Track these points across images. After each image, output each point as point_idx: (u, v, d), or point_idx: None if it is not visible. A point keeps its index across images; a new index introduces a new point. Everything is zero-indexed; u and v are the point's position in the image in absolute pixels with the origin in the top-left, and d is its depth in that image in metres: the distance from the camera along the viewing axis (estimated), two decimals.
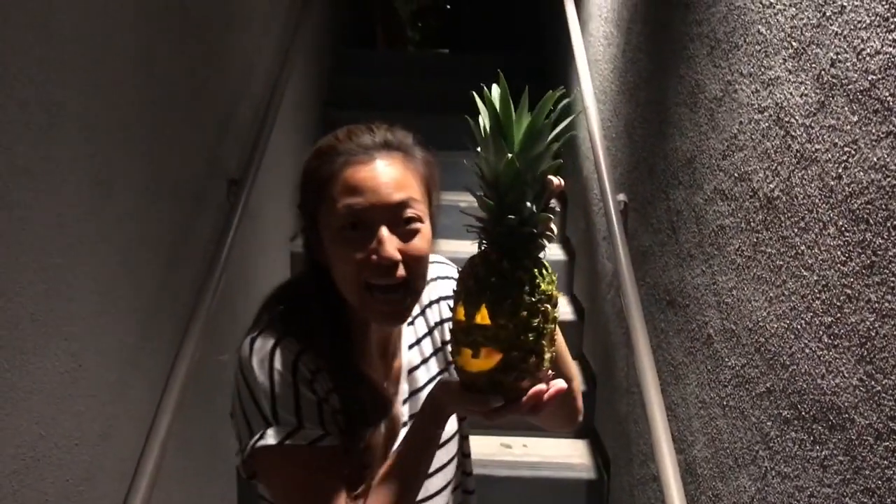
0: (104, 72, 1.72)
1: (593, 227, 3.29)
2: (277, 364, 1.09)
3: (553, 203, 1.00)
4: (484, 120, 0.97)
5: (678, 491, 1.86)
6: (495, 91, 0.98)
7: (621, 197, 2.73)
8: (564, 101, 0.98)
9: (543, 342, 0.98)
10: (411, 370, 1.23)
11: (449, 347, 1.07)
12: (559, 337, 1.13)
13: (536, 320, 0.96)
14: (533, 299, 0.96)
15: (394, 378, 1.22)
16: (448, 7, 10.94)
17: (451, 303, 1.02)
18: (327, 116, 4.70)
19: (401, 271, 1.07)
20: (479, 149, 0.98)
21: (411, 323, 1.26)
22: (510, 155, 0.94)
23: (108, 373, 1.76)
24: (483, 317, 0.95)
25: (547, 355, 1.00)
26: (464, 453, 1.34)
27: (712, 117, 1.85)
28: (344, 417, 1.12)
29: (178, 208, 2.21)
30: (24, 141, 1.40)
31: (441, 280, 1.29)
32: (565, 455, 2.99)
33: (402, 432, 1.19)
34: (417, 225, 1.09)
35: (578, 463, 2.97)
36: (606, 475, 2.89)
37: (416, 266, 1.09)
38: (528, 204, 0.96)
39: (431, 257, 1.17)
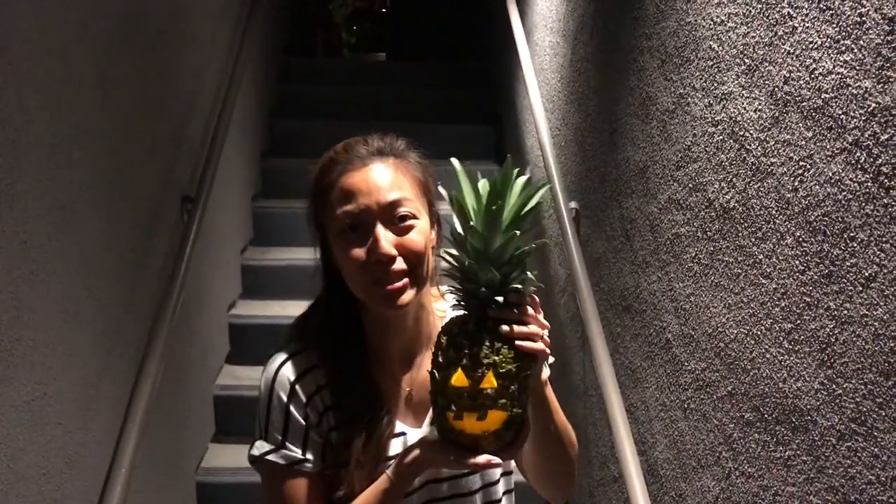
0: (63, 93, 1.70)
1: (545, 232, 3.34)
2: (276, 384, 1.19)
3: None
4: (463, 200, 1.03)
5: (642, 491, 1.92)
6: (469, 185, 1.04)
7: (573, 204, 2.78)
8: (525, 182, 1.05)
9: (528, 396, 1.07)
10: None
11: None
12: (560, 411, 1.22)
13: (527, 380, 1.04)
14: (526, 362, 1.04)
15: (418, 383, 1.25)
16: (384, 11, 10.95)
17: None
18: (274, 126, 4.67)
19: (399, 265, 1.13)
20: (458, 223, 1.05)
21: None
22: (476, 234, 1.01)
23: (73, 398, 1.74)
24: (489, 382, 1.01)
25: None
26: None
27: (665, 129, 1.91)
28: (337, 416, 1.19)
29: (136, 228, 2.19)
30: None
31: None
32: None
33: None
34: (412, 221, 1.15)
35: None
36: None
37: (414, 257, 1.14)
38: (498, 277, 1.03)
39: None
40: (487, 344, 1.01)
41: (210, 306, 3.14)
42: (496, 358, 1.01)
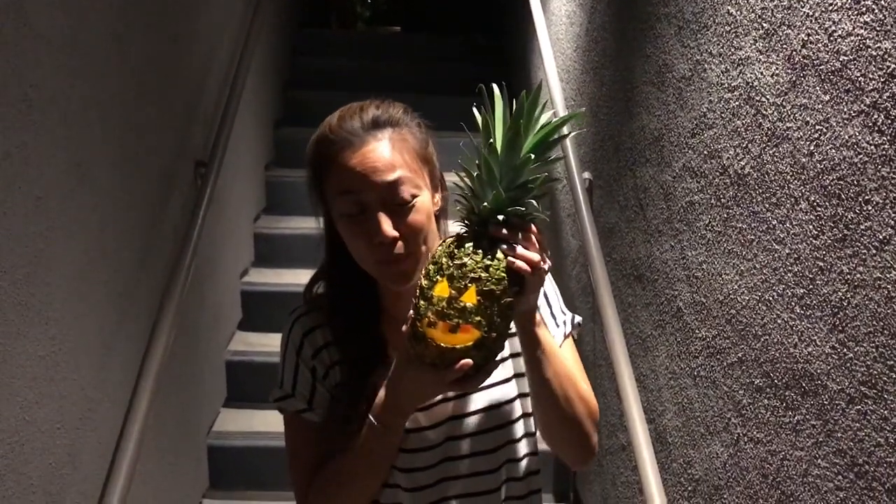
0: (79, 55, 1.70)
1: (557, 204, 3.34)
2: (290, 337, 1.25)
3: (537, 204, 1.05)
4: (489, 120, 1.03)
5: (650, 457, 1.93)
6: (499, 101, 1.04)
7: (586, 175, 2.78)
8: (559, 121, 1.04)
9: (509, 327, 1.05)
10: None
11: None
12: (578, 361, 1.22)
13: (509, 308, 1.03)
14: (514, 288, 1.02)
15: None
16: None
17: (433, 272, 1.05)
18: (288, 96, 4.67)
19: (401, 247, 1.13)
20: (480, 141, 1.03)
21: None
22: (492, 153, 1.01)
23: (87, 356, 1.76)
24: (470, 297, 1.00)
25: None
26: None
27: (681, 96, 1.90)
28: (344, 373, 1.21)
29: (150, 190, 2.20)
30: (2, 126, 1.39)
31: None
32: None
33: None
34: (412, 202, 1.13)
35: None
36: None
37: (415, 238, 1.14)
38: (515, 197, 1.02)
39: None
40: (478, 260, 1.01)
41: (223, 273, 3.16)
42: (483, 274, 1.00)
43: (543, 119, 1.04)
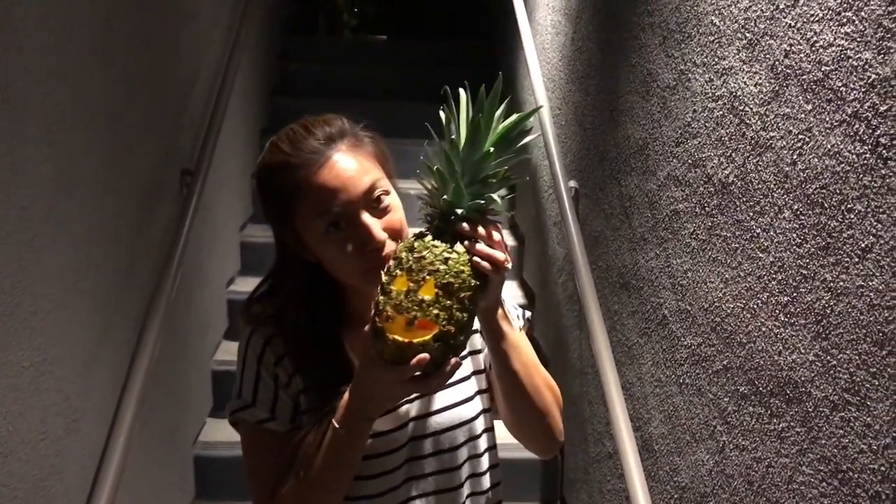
0: (64, 64, 1.69)
1: (543, 212, 3.35)
2: (249, 349, 1.22)
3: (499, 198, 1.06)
4: (452, 116, 1.04)
5: (637, 465, 1.94)
6: (462, 95, 1.06)
7: (572, 183, 2.79)
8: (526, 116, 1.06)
9: (472, 322, 1.04)
10: None
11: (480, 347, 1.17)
12: (532, 353, 1.21)
13: (472, 304, 1.02)
14: (475, 283, 1.02)
15: None
16: None
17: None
18: (276, 104, 4.66)
19: (389, 246, 1.14)
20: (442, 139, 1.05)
21: None
22: (451, 144, 1.03)
23: (72, 366, 1.75)
24: (428, 290, 1.00)
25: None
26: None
27: (665, 105, 1.91)
28: (308, 383, 1.20)
29: (136, 200, 2.20)
30: None
31: None
32: None
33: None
34: (388, 200, 1.15)
35: None
36: (560, 455, 2.96)
37: (400, 235, 1.16)
38: (472, 193, 1.03)
39: None
40: (437, 253, 1.01)
41: (209, 282, 3.15)
42: (442, 267, 1.00)
43: (511, 117, 1.05)
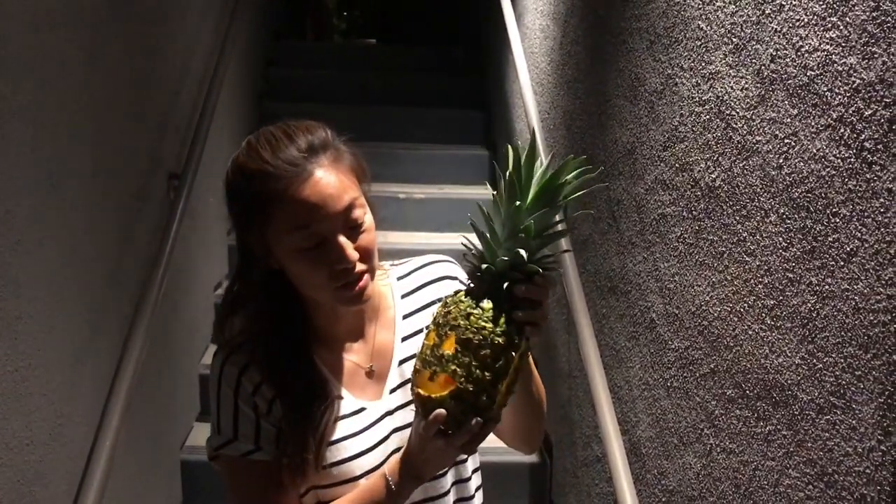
0: (50, 66, 1.69)
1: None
2: (223, 381, 1.19)
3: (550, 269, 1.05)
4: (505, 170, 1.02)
5: (625, 470, 1.94)
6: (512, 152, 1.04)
7: None
8: (579, 171, 1.08)
9: (500, 386, 1.02)
10: (402, 361, 1.26)
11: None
12: (531, 361, 1.22)
13: (498, 363, 1.00)
14: (500, 341, 1.00)
15: (376, 355, 1.25)
16: None
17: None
18: (263, 109, 4.65)
19: (360, 266, 1.13)
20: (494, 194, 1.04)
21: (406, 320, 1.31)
22: (516, 204, 1.01)
23: (58, 370, 1.74)
24: (449, 345, 1.00)
25: (500, 399, 1.03)
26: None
27: (652, 109, 1.92)
28: (286, 407, 1.18)
29: (122, 203, 2.19)
30: None
31: (447, 280, 1.32)
32: None
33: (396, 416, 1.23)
34: (363, 221, 1.14)
35: None
36: (549, 458, 2.96)
37: (370, 257, 1.15)
38: (522, 254, 1.01)
39: (439, 257, 1.33)
40: (462, 308, 1.00)
41: (196, 286, 3.14)
42: (462, 322, 0.99)
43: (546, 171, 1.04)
